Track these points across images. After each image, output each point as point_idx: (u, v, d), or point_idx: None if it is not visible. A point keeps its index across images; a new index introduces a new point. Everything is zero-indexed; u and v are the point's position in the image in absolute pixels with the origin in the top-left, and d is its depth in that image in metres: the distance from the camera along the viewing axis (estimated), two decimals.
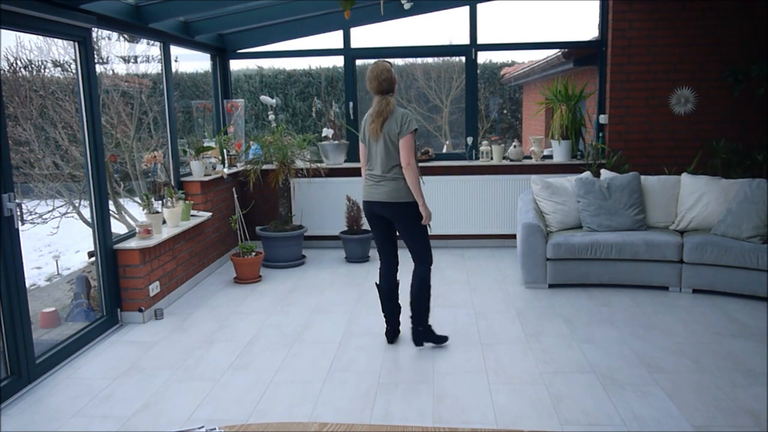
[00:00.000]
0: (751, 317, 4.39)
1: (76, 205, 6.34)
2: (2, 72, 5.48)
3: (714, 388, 3.35)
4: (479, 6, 6.49)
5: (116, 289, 4.52)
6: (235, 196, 6.25)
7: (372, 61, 4.09)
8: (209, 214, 5.62)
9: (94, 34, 4.34)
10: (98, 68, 5.06)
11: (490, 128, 9.94)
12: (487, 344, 4.02)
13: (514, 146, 6.61)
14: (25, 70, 5.96)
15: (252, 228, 6.46)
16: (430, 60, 9.84)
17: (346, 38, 6.67)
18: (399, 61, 9.60)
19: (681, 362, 3.68)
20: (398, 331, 4.14)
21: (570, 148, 6.48)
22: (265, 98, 6.72)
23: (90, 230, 4.50)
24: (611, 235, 5.07)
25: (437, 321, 4.47)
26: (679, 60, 6.17)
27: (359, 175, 6.60)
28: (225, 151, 6.23)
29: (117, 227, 5.96)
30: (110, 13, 4.39)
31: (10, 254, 3.44)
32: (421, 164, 6.58)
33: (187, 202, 5.26)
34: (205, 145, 5.96)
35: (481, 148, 6.60)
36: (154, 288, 4.72)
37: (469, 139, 6.71)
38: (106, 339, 4.29)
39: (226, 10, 5.63)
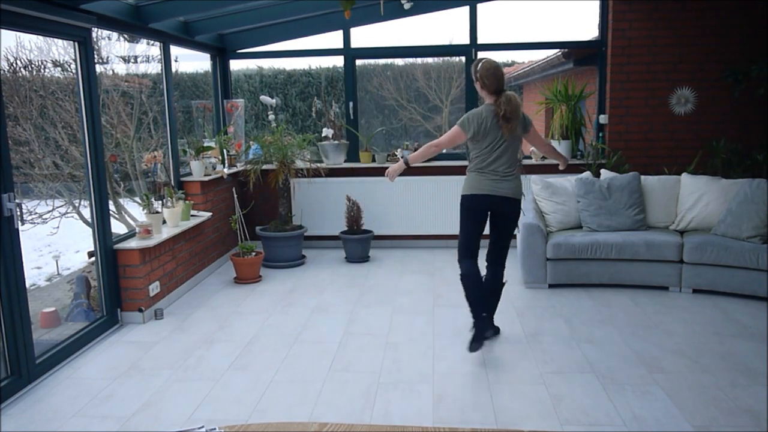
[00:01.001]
0: (751, 317, 4.39)
1: (76, 205, 6.34)
2: (2, 72, 5.48)
3: (714, 388, 3.35)
4: (479, 6, 6.49)
5: (116, 289, 4.52)
6: (235, 196, 6.25)
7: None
8: (209, 214, 5.62)
9: (94, 34, 4.34)
10: (98, 68, 5.06)
11: None
12: (487, 344, 4.02)
13: None
14: (25, 70, 5.97)
15: (252, 228, 6.46)
16: (430, 60, 9.85)
17: (346, 38, 6.67)
18: (399, 61, 9.61)
19: (681, 362, 3.68)
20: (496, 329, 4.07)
21: (570, 148, 6.48)
22: (265, 98, 6.72)
23: (90, 230, 4.50)
24: (611, 235, 5.07)
25: (437, 321, 4.47)
26: (679, 60, 6.17)
27: (359, 175, 6.64)
28: (225, 151, 6.23)
29: (117, 227, 5.97)
30: (110, 13, 4.39)
31: (10, 254, 3.44)
32: (420, 164, 6.59)
33: (187, 202, 5.26)
34: (205, 145, 5.96)
35: None
36: (154, 288, 4.72)
37: None
38: (106, 339, 4.29)
39: (226, 10, 5.63)
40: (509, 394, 3.34)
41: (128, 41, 6.48)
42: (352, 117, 6.77)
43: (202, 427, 1.69)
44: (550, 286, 5.19)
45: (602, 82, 6.43)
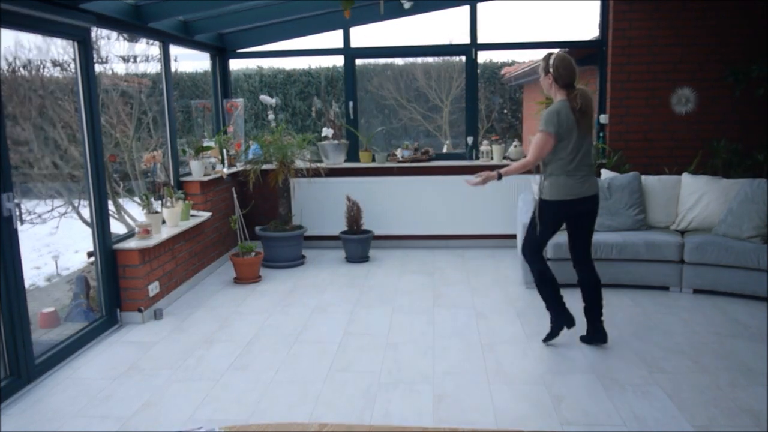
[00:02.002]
0: (751, 317, 4.39)
1: (76, 205, 6.33)
2: (1, 72, 5.47)
3: (714, 388, 3.35)
4: (479, 5, 6.49)
5: (116, 289, 4.51)
6: (235, 196, 6.24)
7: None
8: (209, 214, 5.62)
9: (93, 34, 4.33)
10: (98, 68, 5.05)
11: (491, 127, 9.93)
12: (487, 344, 4.02)
13: (515, 146, 6.61)
14: (24, 70, 5.96)
15: (252, 228, 6.46)
16: (430, 60, 9.83)
17: (346, 38, 6.67)
18: (399, 61, 9.60)
19: (681, 362, 3.68)
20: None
21: None
22: (264, 98, 6.72)
23: (89, 230, 4.49)
24: (611, 235, 5.06)
25: (437, 321, 4.47)
26: (679, 60, 6.16)
27: (359, 175, 6.64)
28: (225, 150, 6.23)
29: (116, 227, 5.96)
30: (110, 12, 4.38)
31: (9, 254, 3.44)
32: (421, 164, 6.60)
33: (186, 202, 5.25)
34: (205, 144, 5.96)
35: (482, 148, 6.59)
36: (154, 288, 4.71)
37: (470, 139, 6.71)
38: (105, 339, 4.29)
39: (226, 10, 5.62)
40: (509, 394, 3.33)
41: (128, 41, 6.47)
42: (352, 117, 6.77)
43: (202, 427, 1.69)
44: None
45: (602, 81, 6.43)
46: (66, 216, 6.24)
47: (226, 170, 6.09)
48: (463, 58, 6.67)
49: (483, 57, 6.80)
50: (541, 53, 4.26)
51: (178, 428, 3.02)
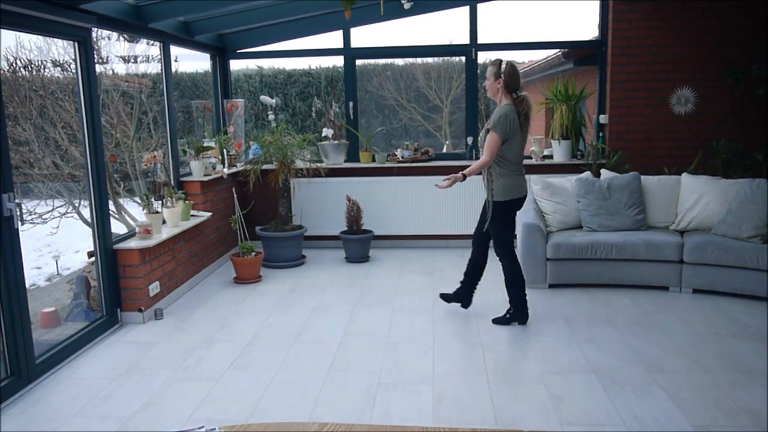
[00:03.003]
0: (751, 317, 4.39)
1: (76, 205, 6.34)
2: (2, 72, 5.47)
3: (714, 388, 3.35)
4: (479, 6, 6.49)
5: (116, 289, 4.51)
6: (235, 196, 6.25)
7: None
8: (209, 214, 5.62)
9: (94, 34, 4.34)
10: (98, 68, 5.05)
11: None
12: (487, 344, 4.02)
13: None
14: (25, 70, 5.97)
15: (252, 228, 6.46)
16: (430, 60, 9.83)
17: (346, 38, 6.67)
18: (399, 61, 9.60)
19: (681, 362, 3.68)
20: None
21: (570, 148, 6.48)
22: (264, 98, 6.72)
23: (90, 230, 4.50)
24: (611, 235, 5.06)
25: (437, 321, 4.47)
26: (679, 60, 6.16)
27: (359, 175, 6.64)
28: (225, 151, 6.23)
29: (117, 227, 5.97)
30: (110, 13, 4.39)
31: (10, 254, 3.44)
32: (421, 164, 6.60)
33: (186, 202, 5.26)
34: (205, 145, 5.96)
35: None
36: (154, 288, 4.72)
37: (469, 139, 6.71)
38: (105, 339, 4.29)
39: (226, 10, 5.63)
40: (509, 394, 3.34)
41: (128, 41, 6.48)
42: (352, 117, 6.77)
43: (202, 427, 1.69)
44: (550, 286, 5.18)
45: (602, 82, 6.43)
46: (66, 216, 6.25)
47: (226, 170, 6.10)
48: (463, 58, 6.68)
49: (483, 57, 6.80)
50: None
51: (178, 428, 3.02)
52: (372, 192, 6.54)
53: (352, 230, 6.26)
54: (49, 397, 3.44)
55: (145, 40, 6.44)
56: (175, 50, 5.65)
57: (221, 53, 6.73)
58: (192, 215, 5.40)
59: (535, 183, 5.61)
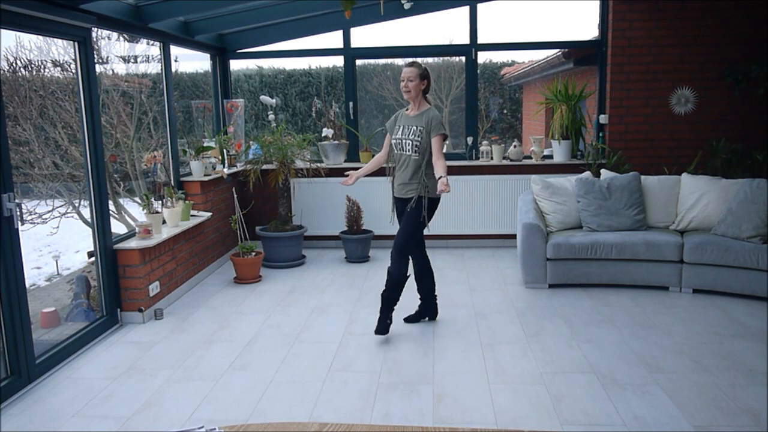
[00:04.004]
0: (751, 317, 4.39)
1: (76, 205, 6.33)
2: (2, 72, 5.47)
3: (714, 388, 3.35)
4: (479, 6, 6.49)
5: (116, 289, 4.51)
6: (235, 196, 6.25)
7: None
8: (209, 214, 5.62)
9: (94, 34, 4.34)
10: (98, 68, 5.06)
11: (490, 128, 9.94)
12: (487, 344, 4.02)
13: (514, 146, 6.61)
14: (25, 70, 5.96)
15: (252, 228, 6.46)
16: (430, 60, 9.84)
17: (346, 38, 6.67)
18: (399, 61, 9.60)
19: (681, 362, 3.68)
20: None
21: (570, 148, 6.48)
22: (264, 98, 6.72)
23: (90, 230, 4.50)
24: (611, 235, 5.07)
25: (438, 320, 4.47)
26: (679, 60, 6.17)
27: None
28: (225, 151, 6.23)
29: (117, 227, 5.96)
30: (110, 13, 4.39)
31: (10, 254, 3.44)
32: None
33: (187, 202, 5.26)
34: (205, 145, 5.96)
35: (481, 148, 6.60)
36: (154, 288, 4.72)
37: (469, 139, 6.71)
38: (106, 339, 4.29)
39: (226, 10, 5.63)
40: (509, 394, 3.34)
41: (128, 41, 6.47)
42: (352, 117, 6.77)
43: (202, 427, 1.69)
44: (550, 286, 5.19)
45: (602, 82, 6.43)
46: (66, 216, 6.25)
47: (226, 170, 6.10)
48: (463, 58, 6.68)
49: (483, 57, 6.81)
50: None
51: (178, 428, 3.03)
52: (372, 192, 6.54)
53: (352, 230, 6.26)
54: (49, 397, 3.44)
55: (145, 40, 6.44)
56: (175, 50, 5.65)
57: (221, 53, 6.73)
58: (192, 215, 5.40)
59: (535, 183, 5.62)
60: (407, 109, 4.25)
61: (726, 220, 4.94)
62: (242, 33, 6.60)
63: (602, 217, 5.26)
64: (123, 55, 6.60)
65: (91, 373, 3.75)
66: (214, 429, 1.65)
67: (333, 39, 6.70)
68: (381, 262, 6.12)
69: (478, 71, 6.79)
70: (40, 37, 5.71)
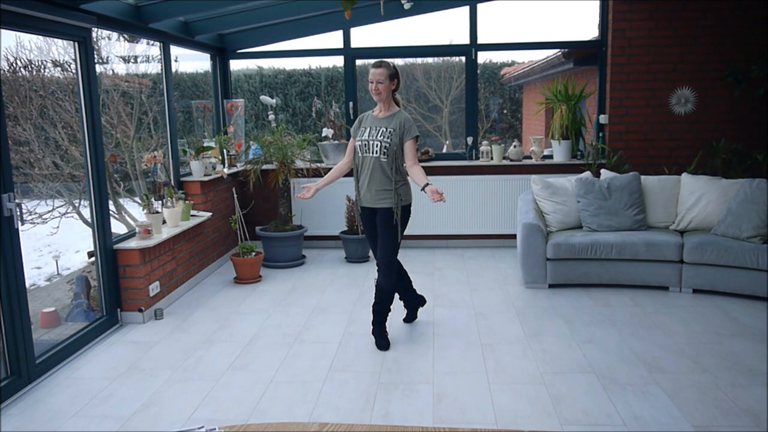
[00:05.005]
0: (751, 317, 4.39)
1: (76, 205, 6.33)
2: (2, 72, 5.47)
3: (714, 388, 3.35)
4: (479, 6, 6.49)
5: (116, 289, 4.52)
6: (235, 196, 6.25)
7: (373, 60, 4.09)
8: (209, 214, 5.62)
9: (94, 34, 4.34)
10: (98, 68, 5.05)
11: (490, 128, 9.94)
12: (487, 344, 4.02)
13: (514, 146, 6.61)
14: (25, 70, 5.96)
15: (252, 228, 6.46)
16: (430, 60, 9.85)
17: (346, 38, 6.67)
18: (399, 61, 9.60)
19: (681, 362, 3.68)
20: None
21: (570, 148, 6.48)
22: (265, 98, 6.72)
23: (90, 230, 4.50)
24: (611, 235, 5.07)
25: (438, 320, 4.47)
26: (679, 60, 6.17)
27: None
28: (225, 151, 6.23)
29: (117, 227, 5.96)
30: (110, 13, 4.39)
31: (10, 254, 3.44)
32: (421, 164, 6.59)
33: (187, 202, 5.26)
34: (205, 145, 5.96)
35: (481, 148, 6.60)
36: (154, 288, 4.72)
37: (469, 139, 6.71)
38: (106, 339, 4.29)
39: (226, 10, 5.63)
40: (509, 394, 3.34)
41: (128, 41, 6.47)
42: (352, 117, 6.77)
43: (202, 427, 1.69)
44: (550, 286, 5.19)
45: (602, 82, 6.43)
46: (66, 216, 6.24)
47: (226, 170, 6.10)
48: (463, 58, 6.68)
49: (483, 57, 6.81)
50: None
51: (178, 428, 3.03)
52: None
53: (352, 230, 6.26)
54: (49, 397, 3.44)
55: (145, 40, 6.44)
56: (175, 50, 5.65)
57: (221, 53, 6.73)
58: (192, 215, 5.40)
59: (535, 183, 5.62)
60: (374, 111, 4.02)
61: (726, 220, 4.94)
62: (242, 33, 6.60)
63: (602, 217, 5.26)
64: (123, 55, 6.60)
65: (91, 373, 3.75)
66: (214, 429, 1.65)
67: (333, 39, 6.71)
68: None
69: (478, 71, 6.79)
70: (40, 37, 5.70)
